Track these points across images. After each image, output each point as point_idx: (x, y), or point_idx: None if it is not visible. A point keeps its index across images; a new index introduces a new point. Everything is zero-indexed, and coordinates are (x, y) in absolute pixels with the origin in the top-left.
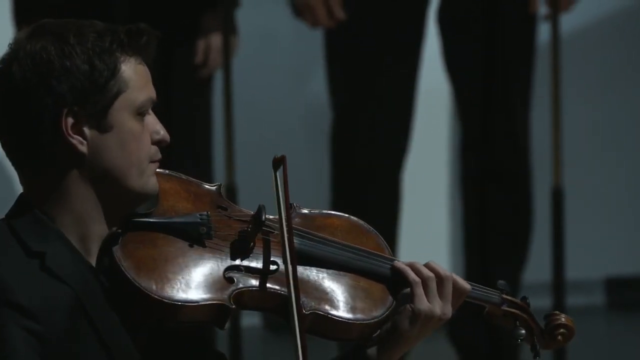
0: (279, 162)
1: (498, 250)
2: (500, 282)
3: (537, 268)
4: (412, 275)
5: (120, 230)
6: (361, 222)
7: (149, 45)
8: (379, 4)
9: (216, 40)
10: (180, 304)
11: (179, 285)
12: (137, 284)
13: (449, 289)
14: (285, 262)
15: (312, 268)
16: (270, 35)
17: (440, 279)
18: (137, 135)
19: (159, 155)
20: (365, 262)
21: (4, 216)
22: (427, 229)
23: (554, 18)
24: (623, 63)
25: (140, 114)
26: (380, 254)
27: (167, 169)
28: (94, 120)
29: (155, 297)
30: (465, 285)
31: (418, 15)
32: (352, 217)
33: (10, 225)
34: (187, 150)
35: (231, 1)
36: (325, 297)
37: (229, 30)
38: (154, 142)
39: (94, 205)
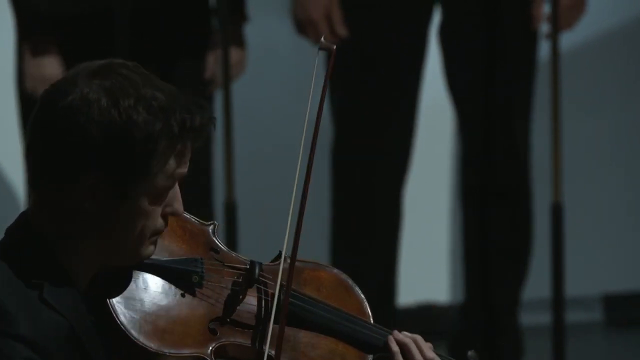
0: (327, 50)
1: (498, 267)
2: (470, 354)
3: (536, 284)
4: (393, 346)
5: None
6: (348, 279)
7: (201, 138)
8: (380, 20)
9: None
10: (161, 353)
11: (162, 334)
12: (122, 327)
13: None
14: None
15: (293, 328)
16: (270, 50)
17: (417, 344)
18: (148, 215)
19: (163, 228)
20: (346, 327)
21: (4, 234)
22: (428, 244)
23: (554, 34)
24: (623, 79)
25: (161, 195)
26: (361, 318)
27: None
28: (112, 189)
29: (139, 342)
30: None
31: (420, 32)
32: (340, 272)
33: (9, 254)
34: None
35: (239, 16)
36: (302, 359)
37: (234, 46)
38: (164, 214)
39: (91, 251)
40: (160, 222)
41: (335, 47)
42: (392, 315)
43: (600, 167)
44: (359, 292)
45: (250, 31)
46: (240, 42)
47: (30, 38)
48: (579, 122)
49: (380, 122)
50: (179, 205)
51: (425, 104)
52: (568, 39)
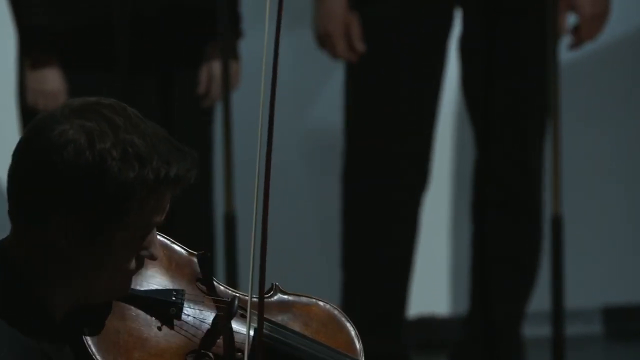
0: None
1: (502, 280)
2: None
3: (536, 297)
4: None
5: None
6: (341, 315)
7: (179, 188)
8: (399, 35)
9: (219, 70)
10: None
11: None
12: (94, 356)
13: None
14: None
15: None
16: (269, 62)
17: None
18: (122, 258)
19: (137, 270)
20: None
21: None
22: (429, 256)
23: (553, 47)
24: (623, 90)
25: (134, 243)
26: (349, 355)
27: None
28: (83, 230)
29: None
30: None
31: (439, 47)
32: (334, 308)
33: None
34: None
35: (234, 31)
36: None
37: (230, 59)
38: (139, 257)
39: (65, 288)
40: (133, 264)
41: None
42: (402, 327)
43: (600, 179)
44: (351, 327)
45: (250, 43)
46: (235, 55)
47: (31, 52)
48: (578, 134)
49: (397, 135)
50: (156, 251)
51: None
52: (568, 50)
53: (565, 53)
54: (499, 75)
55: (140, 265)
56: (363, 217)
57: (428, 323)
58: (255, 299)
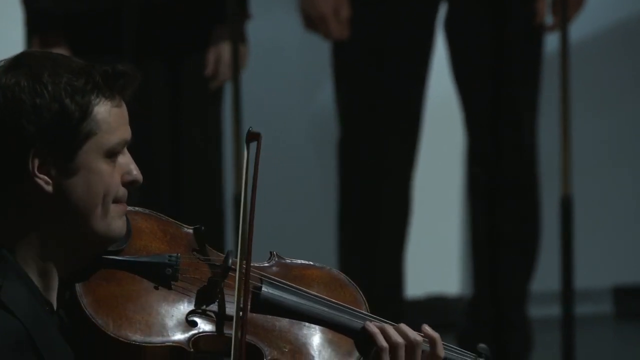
0: (252, 138)
1: (507, 260)
2: (481, 345)
3: (546, 277)
4: (380, 340)
5: (86, 265)
6: (342, 275)
7: (127, 86)
8: (387, 14)
9: (226, 52)
10: (136, 344)
11: (137, 326)
12: (94, 321)
13: (417, 355)
14: (240, 261)
15: (279, 318)
16: (278, 46)
17: (410, 345)
18: (104, 178)
19: (126, 197)
20: (335, 316)
21: None
22: (439, 237)
23: (563, 27)
24: (633, 72)
25: (111, 156)
26: (355, 308)
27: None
28: (61, 160)
29: (112, 335)
30: (440, 352)
31: (426, 25)
32: (333, 269)
33: None
34: (197, 162)
35: (241, 13)
36: (288, 347)
37: (238, 41)
38: (125, 183)
39: (57, 243)
40: (122, 190)
41: (261, 135)
42: (400, 306)
43: (610, 159)
44: (355, 287)
45: (257, 26)
46: (242, 37)
47: (39, 32)
48: (588, 115)
49: (387, 116)
50: (137, 173)
51: (439, 97)
52: (577, 32)
53: (575, 35)
54: (490, 58)
55: (125, 195)
56: (355, 198)
57: (437, 303)
58: (248, 266)
